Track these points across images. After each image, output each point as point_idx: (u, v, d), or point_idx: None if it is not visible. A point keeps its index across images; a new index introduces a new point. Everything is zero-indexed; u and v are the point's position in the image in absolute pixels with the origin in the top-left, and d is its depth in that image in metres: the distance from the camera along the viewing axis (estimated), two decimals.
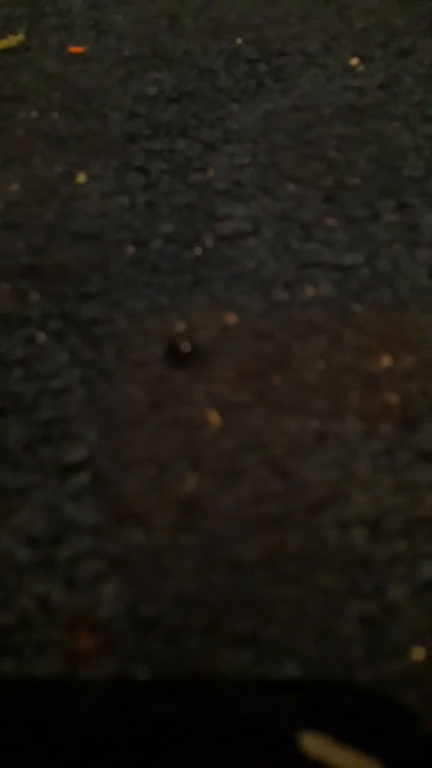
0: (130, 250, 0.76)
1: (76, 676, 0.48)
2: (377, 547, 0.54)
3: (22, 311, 0.69)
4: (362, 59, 1.02)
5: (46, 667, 0.48)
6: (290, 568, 0.53)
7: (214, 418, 0.61)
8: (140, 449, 0.59)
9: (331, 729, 0.46)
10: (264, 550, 0.54)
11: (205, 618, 0.51)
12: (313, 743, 0.45)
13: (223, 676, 0.48)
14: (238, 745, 0.46)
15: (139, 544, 0.54)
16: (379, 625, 0.50)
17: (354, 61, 1.02)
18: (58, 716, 0.47)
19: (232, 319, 0.69)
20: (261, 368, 0.65)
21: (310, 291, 0.72)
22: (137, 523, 0.55)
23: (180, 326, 0.68)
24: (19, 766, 0.45)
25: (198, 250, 0.72)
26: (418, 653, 0.49)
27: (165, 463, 0.58)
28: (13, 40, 1.04)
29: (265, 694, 0.48)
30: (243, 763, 0.45)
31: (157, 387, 0.64)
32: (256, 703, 0.47)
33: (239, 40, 1.06)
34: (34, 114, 0.92)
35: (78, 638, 0.49)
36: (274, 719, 0.47)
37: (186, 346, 0.66)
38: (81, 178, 0.84)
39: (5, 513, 0.55)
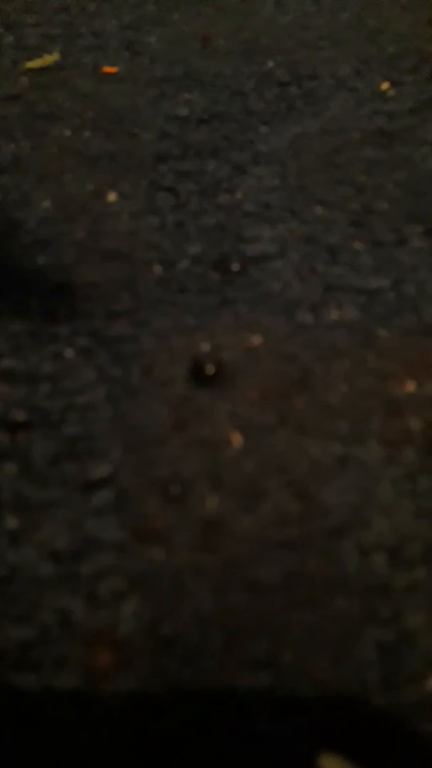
0: (158, 269, 0.77)
1: (95, 693, 0.49)
2: (396, 573, 0.54)
3: (51, 327, 0.71)
4: (393, 84, 1.03)
5: (66, 683, 0.49)
6: (308, 592, 0.53)
7: (237, 439, 0.62)
8: (164, 467, 0.60)
9: (346, 753, 0.47)
10: (283, 573, 0.54)
11: (223, 639, 0.51)
12: (331, 764, 0.45)
13: (239, 697, 0.49)
14: (254, 765, 0.46)
15: (160, 562, 0.55)
16: (396, 651, 0.51)
17: (385, 86, 1.03)
18: (75, 731, 0.47)
19: (256, 340, 0.70)
20: (284, 390, 0.66)
21: (334, 314, 0.72)
22: (158, 542, 0.56)
23: (205, 346, 0.69)
24: None
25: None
26: None
27: (187, 482, 0.59)
28: (48, 59, 1.06)
29: (281, 716, 0.48)
30: None
31: (181, 406, 0.64)
32: (272, 725, 0.48)
33: (270, 63, 1.07)
34: (67, 132, 0.94)
35: (98, 655, 0.50)
36: (289, 741, 0.47)
37: (210, 369, 0.67)
38: (111, 196, 0.85)
39: (29, 527, 0.56)
